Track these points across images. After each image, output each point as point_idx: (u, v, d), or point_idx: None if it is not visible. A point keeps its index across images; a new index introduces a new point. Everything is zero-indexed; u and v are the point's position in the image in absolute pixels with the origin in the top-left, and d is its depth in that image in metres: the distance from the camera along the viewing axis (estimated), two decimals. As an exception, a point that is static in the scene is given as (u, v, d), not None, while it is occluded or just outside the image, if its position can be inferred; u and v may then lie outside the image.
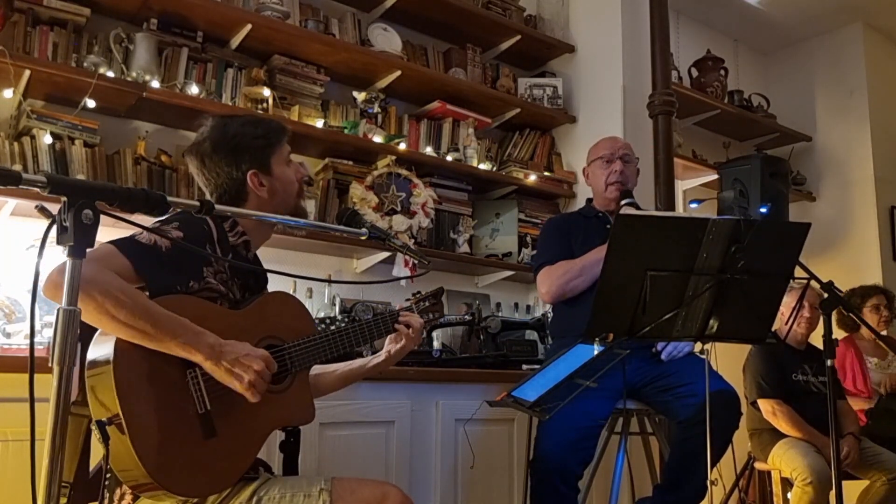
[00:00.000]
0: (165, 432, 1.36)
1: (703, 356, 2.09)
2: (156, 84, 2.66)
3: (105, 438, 1.28)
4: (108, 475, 1.40)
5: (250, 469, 1.52)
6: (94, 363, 1.37)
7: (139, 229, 1.43)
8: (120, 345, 1.35)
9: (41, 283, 1.27)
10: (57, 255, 1.09)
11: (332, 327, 2.10)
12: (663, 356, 2.42)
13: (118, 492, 1.44)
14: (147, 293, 1.41)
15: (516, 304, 3.75)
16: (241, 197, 1.68)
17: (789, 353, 3.31)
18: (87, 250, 1.03)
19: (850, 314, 2.11)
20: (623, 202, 2.57)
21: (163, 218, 1.51)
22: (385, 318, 1.83)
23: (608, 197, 2.64)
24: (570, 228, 2.66)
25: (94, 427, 1.30)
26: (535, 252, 3.57)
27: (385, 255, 3.13)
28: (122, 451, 1.31)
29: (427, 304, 1.94)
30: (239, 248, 1.64)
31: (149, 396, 1.36)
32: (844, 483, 2.12)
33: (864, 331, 3.86)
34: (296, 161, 1.80)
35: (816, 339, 2.53)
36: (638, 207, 2.59)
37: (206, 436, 1.42)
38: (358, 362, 1.90)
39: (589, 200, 2.81)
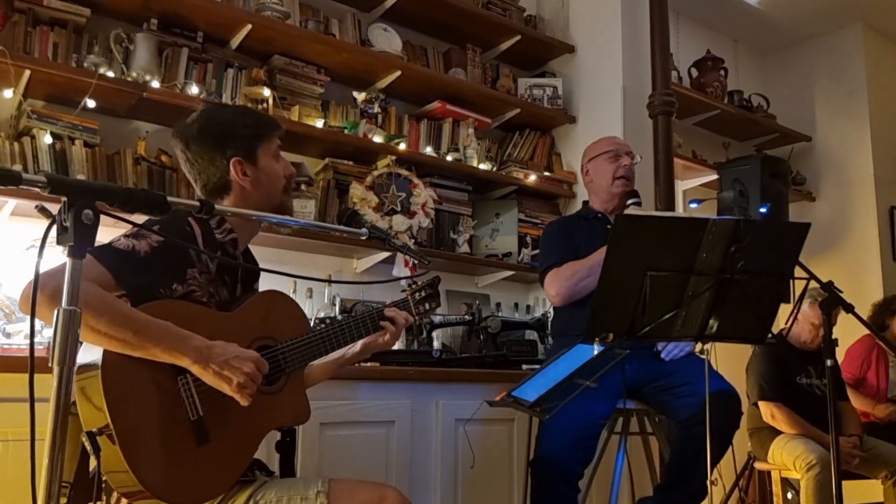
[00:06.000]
0: (157, 441, 1.34)
1: (703, 356, 2.09)
2: (156, 84, 2.66)
3: (96, 450, 1.26)
4: (103, 478, 1.39)
5: (246, 471, 1.50)
6: (83, 368, 1.34)
7: (117, 236, 1.41)
8: (108, 351, 1.32)
9: (19, 299, 1.26)
10: (57, 255, 1.09)
11: (332, 327, 2.09)
12: (664, 355, 2.42)
13: (115, 494, 1.43)
14: (129, 301, 1.39)
15: (516, 304, 3.75)
16: (224, 187, 1.63)
17: (793, 355, 3.30)
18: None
19: (851, 314, 2.10)
20: (630, 202, 2.53)
21: (142, 223, 1.49)
22: (375, 314, 1.80)
23: (614, 191, 2.58)
24: (572, 230, 2.61)
25: (84, 439, 1.28)
26: (535, 252, 3.58)
27: (385, 255, 3.13)
28: (113, 461, 1.30)
29: (423, 294, 1.91)
30: (227, 246, 1.61)
31: (139, 405, 1.34)
32: (847, 482, 2.12)
33: (892, 331, 3.86)
34: (287, 159, 1.74)
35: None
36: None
37: (200, 442, 1.40)
38: (335, 354, 1.81)
39: (585, 203, 2.77)
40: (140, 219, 1.17)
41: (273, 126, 1.72)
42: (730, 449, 2.32)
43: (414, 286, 1.92)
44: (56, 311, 1.01)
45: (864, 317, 4.04)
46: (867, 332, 3.79)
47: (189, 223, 1.55)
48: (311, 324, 2.05)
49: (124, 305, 1.35)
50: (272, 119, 1.76)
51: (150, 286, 1.43)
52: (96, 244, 1.38)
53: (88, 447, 1.26)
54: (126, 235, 1.43)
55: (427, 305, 1.91)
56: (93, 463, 1.49)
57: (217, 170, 1.63)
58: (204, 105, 1.73)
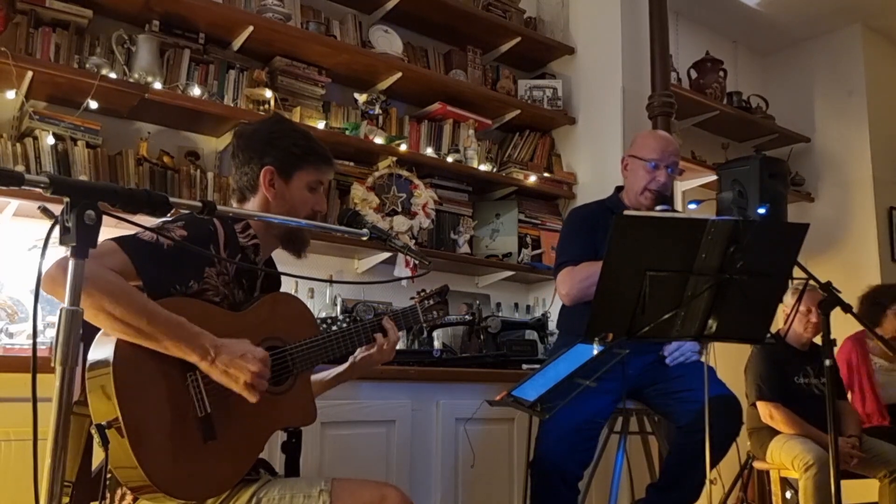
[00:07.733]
0: (165, 436, 1.36)
1: (703, 358, 2.09)
2: (158, 85, 2.67)
3: (105, 442, 1.27)
4: (108, 475, 1.41)
5: (251, 470, 1.52)
6: (95, 365, 1.37)
7: (141, 230, 1.43)
8: (120, 347, 1.34)
9: (42, 278, 1.28)
10: (59, 256, 1.09)
11: (334, 327, 2.10)
12: (668, 361, 2.39)
13: (119, 491, 1.44)
14: (144, 291, 1.41)
15: (516, 304, 3.76)
16: (251, 189, 1.70)
17: (791, 355, 3.30)
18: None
19: (850, 314, 2.10)
20: (658, 208, 2.49)
21: (168, 217, 1.51)
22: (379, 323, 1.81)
23: (640, 200, 2.54)
24: (596, 223, 2.53)
25: (93, 431, 1.29)
26: (535, 252, 3.59)
27: (386, 255, 3.14)
28: (121, 454, 1.31)
29: (432, 302, 1.93)
30: (248, 251, 1.64)
31: (149, 399, 1.36)
32: (846, 482, 2.12)
33: (883, 328, 3.70)
34: (322, 196, 1.76)
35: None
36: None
37: (206, 439, 1.42)
38: (321, 374, 1.85)
39: (618, 188, 2.69)
40: (142, 219, 1.17)
41: (323, 160, 1.74)
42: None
43: (422, 293, 1.94)
44: (59, 311, 1.02)
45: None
46: (848, 335, 3.73)
47: (213, 222, 1.57)
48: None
49: (141, 295, 1.37)
50: (328, 156, 1.77)
51: (167, 280, 1.45)
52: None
53: (97, 439, 1.27)
54: (150, 230, 1.45)
55: (435, 314, 1.93)
56: (95, 462, 1.50)
57: (250, 171, 1.69)
58: (278, 116, 1.76)
